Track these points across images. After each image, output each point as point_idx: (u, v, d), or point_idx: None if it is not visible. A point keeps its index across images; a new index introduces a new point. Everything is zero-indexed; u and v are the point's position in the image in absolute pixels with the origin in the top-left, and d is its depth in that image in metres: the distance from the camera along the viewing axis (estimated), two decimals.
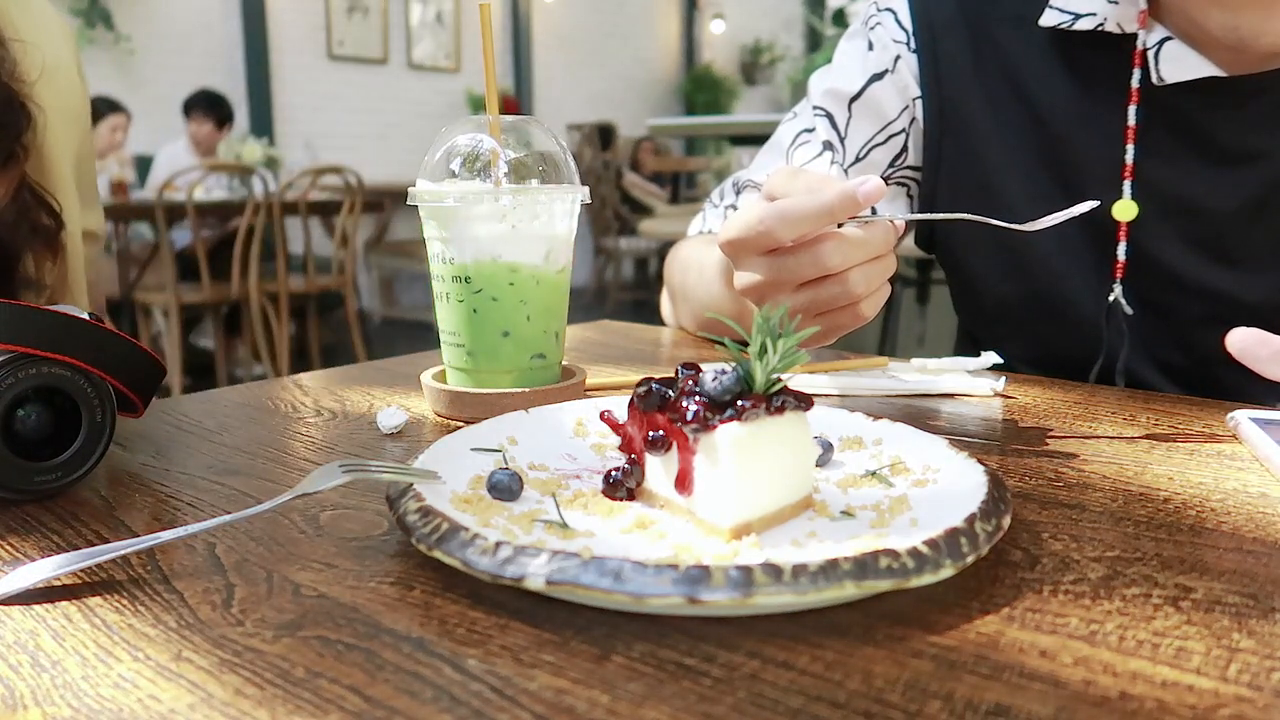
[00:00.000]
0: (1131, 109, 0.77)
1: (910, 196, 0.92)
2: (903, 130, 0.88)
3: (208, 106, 4.80)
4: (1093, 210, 0.78)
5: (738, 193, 0.96)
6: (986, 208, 0.84)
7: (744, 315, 0.81)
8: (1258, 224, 0.76)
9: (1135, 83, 0.77)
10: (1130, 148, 0.77)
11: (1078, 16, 0.78)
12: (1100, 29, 0.77)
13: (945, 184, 0.87)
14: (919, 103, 0.87)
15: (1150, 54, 0.75)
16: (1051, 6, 0.79)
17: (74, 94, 0.81)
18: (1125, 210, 0.77)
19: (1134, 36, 0.76)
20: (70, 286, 0.81)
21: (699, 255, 0.91)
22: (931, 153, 0.87)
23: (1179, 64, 0.74)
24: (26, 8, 0.77)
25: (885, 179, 0.90)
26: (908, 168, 0.90)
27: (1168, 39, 0.75)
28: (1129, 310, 0.79)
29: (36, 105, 0.74)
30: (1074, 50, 0.80)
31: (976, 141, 0.84)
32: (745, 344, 0.43)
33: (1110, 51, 0.78)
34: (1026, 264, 0.83)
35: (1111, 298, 0.79)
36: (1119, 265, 0.79)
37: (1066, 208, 0.83)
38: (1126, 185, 0.78)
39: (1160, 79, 0.75)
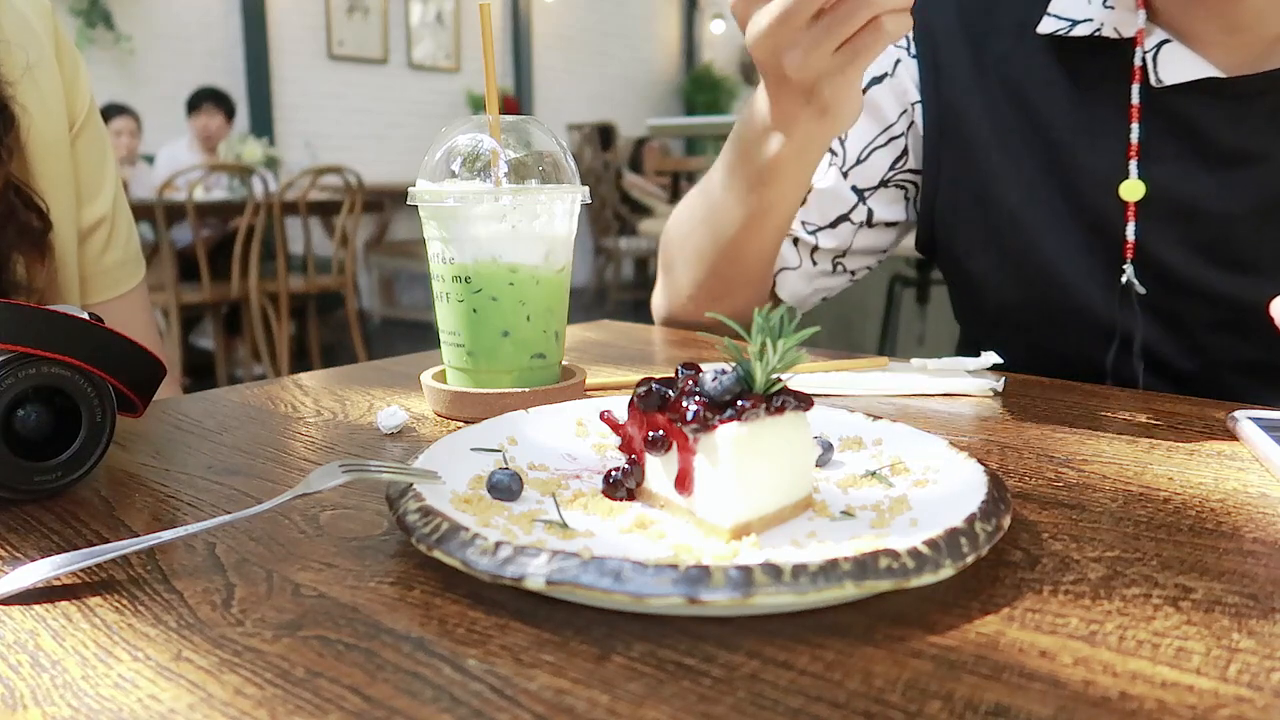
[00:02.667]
0: (1132, 113, 0.77)
1: (908, 199, 0.92)
2: (902, 134, 0.89)
3: (215, 101, 4.81)
4: (1096, 200, 0.79)
5: None
6: (987, 215, 0.85)
7: (758, 207, 0.81)
8: (1264, 227, 0.75)
9: (1135, 86, 0.77)
10: (1132, 151, 0.77)
11: (1075, 23, 0.78)
12: (1097, 34, 0.77)
13: (945, 191, 0.88)
14: (918, 107, 0.87)
15: (1149, 57, 0.76)
16: (1049, 14, 0.80)
17: (59, 88, 0.79)
18: (1132, 190, 0.77)
19: (1132, 40, 0.76)
20: (60, 286, 0.79)
21: (694, 196, 0.92)
22: (932, 159, 0.87)
23: (1177, 66, 0.74)
24: (9, 5, 0.76)
25: (885, 181, 0.90)
26: (908, 170, 0.90)
27: (1166, 41, 0.75)
28: (1142, 290, 0.78)
29: (21, 106, 0.73)
30: (1073, 56, 0.80)
31: (976, 149, 0.84)
32: (738, 336, 0.43)
33: (1109, 56, 0.78)
34: (1031, 264, 0.83)
35: (1124, 279, 0.79)
36: (1129, 246, 0.78)
37: (1067, 213, 0.84)
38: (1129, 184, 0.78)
39: (1159, 81, 0.75)
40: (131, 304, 0.89)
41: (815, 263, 0.93)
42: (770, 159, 0.77)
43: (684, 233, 0.94)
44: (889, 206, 0.91)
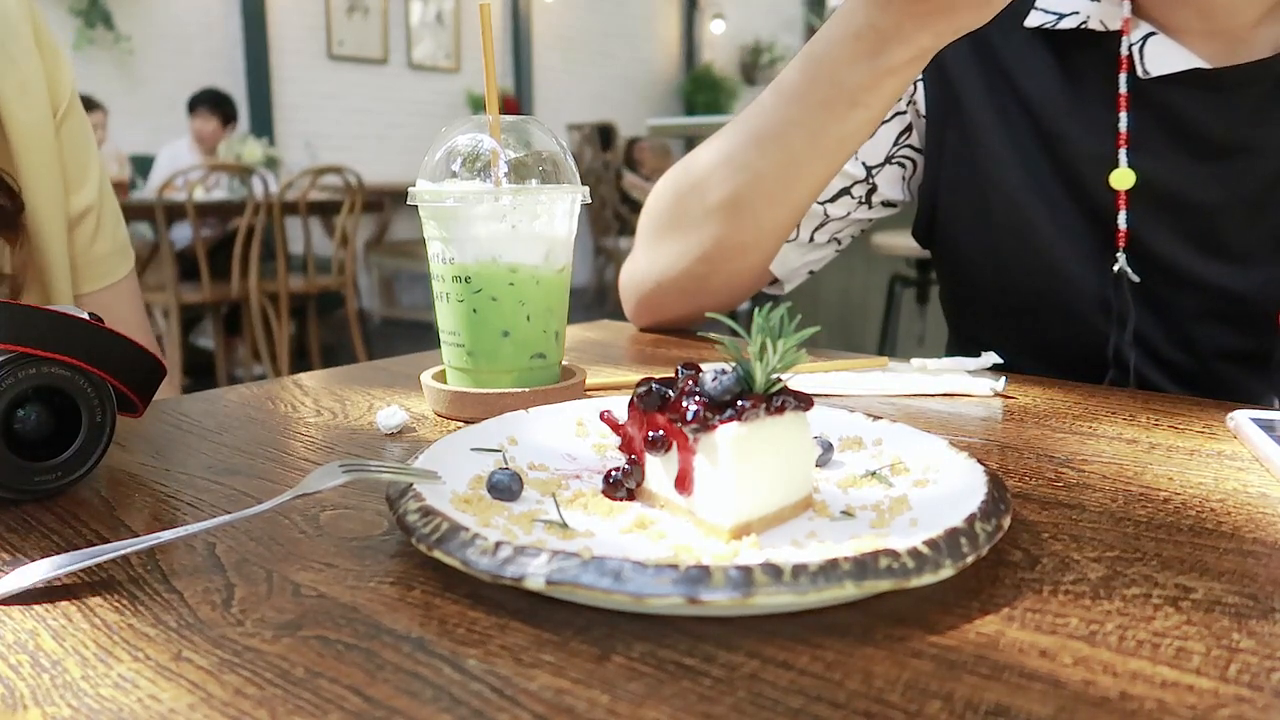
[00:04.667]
0: (1120, 102, 0.78)
1: (904, 179, 0.92)
2: (905, 109, 0.89)
3: (213, 104, 4.81)
4: (1090, 187, 0.79)
5: None
6: (987, 197, 0.85)
7: (833, 137, 0.76)
8: (1251, 218, 0.76)
9: (1122, 77, 0.78)
10: (1121, 142, 0.78)
11: (1061, 16, 0.79)
12: (1084, 27, 0.78)
13: (948, 171, 0.88)
14: (919, 86, 0.88)
15: (1135, 49, 0.77)
16: (1036, 7, 0.81)
17: (40, 77, 0.77)
18: (1122, 179, 0.78)
19: (1118, 33, 0.77)
20: (46, 270, 0.78)
21: (726, 138, 0.84)
22: (934, 139, 0.88)
23: (1163, 57, 0.75)
24: None
25: (890, 158, 0.90)
26: (909, 146, 0.90)
27: (1152, 34, 0.76)
28: (1135, 278, 0.79)
29: None
30: (1062, 48, 0.81)
31: (977, 130, 0.85)
32: (735, 331, 0.43)
33: (1096, 48, 0.79)
34: (1030, 248, 0.84)
35: (1116, 268, 0.79)
36: (1121, 234, 0.79)
37: (1063, 198, 0.85)
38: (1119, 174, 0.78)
39: (1145, 73, 0.76)
40: (122, 293, 0.88)
41: (813, 239, 0.93)
42: (875, 73, 0.70)
43: (716, 177, 0.84)
44: (892, 185, 0.91)
